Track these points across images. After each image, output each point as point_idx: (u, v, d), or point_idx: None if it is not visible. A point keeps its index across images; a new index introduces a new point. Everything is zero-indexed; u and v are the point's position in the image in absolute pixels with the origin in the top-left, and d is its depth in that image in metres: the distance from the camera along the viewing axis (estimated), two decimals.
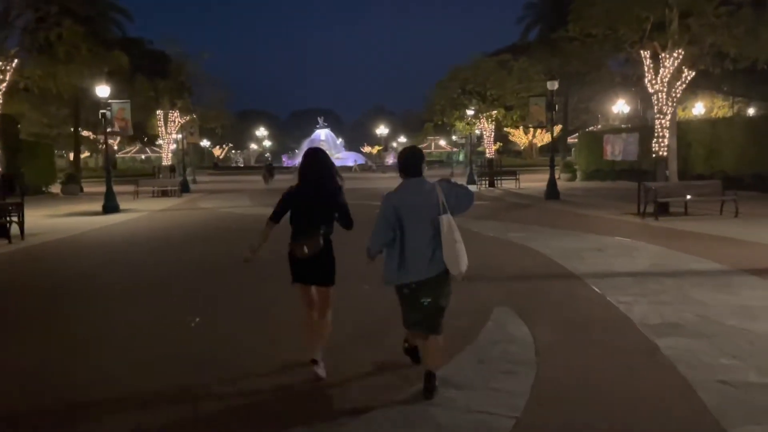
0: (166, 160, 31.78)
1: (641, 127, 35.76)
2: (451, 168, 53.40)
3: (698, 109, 48.01)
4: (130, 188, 28.87)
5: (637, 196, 16.90)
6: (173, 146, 67.69)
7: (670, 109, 18.90)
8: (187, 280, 9.44)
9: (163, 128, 30.99)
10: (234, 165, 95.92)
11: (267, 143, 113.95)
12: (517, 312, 6.83)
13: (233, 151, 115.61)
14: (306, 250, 4.70)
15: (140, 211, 22.17)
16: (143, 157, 75.38)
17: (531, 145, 57.81)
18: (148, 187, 30.18)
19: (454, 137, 51.66)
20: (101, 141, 53.57)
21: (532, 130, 55.79)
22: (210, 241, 13.61)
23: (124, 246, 13.33)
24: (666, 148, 19.57)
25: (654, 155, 20.21)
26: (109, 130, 21.65)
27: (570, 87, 32.88)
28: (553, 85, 23.06)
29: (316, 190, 4.80)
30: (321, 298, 4.92)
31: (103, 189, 20.60)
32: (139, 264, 10.94)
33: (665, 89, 18.51)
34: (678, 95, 18.44)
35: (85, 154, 62.45)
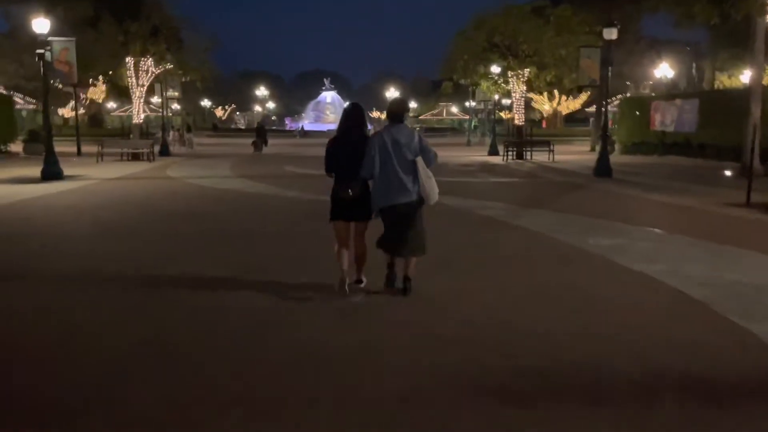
0: (137, 117, 27.16)
1: (702, 92, 30.93)
2: (467, 136, 48.55)
3: (747, 77, 42.70)
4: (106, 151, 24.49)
5: (707, 179, 12.18)
6: (176, 106, 63.70)
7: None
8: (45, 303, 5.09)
9: (133, 79, 26.28)
10: (234, 127, 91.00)
11: (270, 105, 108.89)
12: None
13: (237, 113, 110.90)
14: (351, 192, 5.40)
15: (89, 178, 17.76)
16: (141, 116, 70.39)
17: (555, 113, 52.66)
18: (117, 149, 25.75)
19: (471, 102, 46.51)
20: (84, 95, 49.35)
21: (557, 95, 50.62)
22: (136, 236, 9.15)
23: (17, 237, 8.95)
24: None
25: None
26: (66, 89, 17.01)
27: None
28: (612, 33, 18.18)
29: (354, 141, 5.47)
30: (359, 231, 5.66)
31: (85, 149, 16.46)
32: None
33: None
34: None
35: (65, 110, 57.82)
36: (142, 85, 26.57)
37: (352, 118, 5.59)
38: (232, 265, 6.92)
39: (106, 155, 24.89)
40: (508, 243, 8.22)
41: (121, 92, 41.06)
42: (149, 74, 26.48)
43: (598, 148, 33.28)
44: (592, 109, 64.31)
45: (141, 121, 27.57)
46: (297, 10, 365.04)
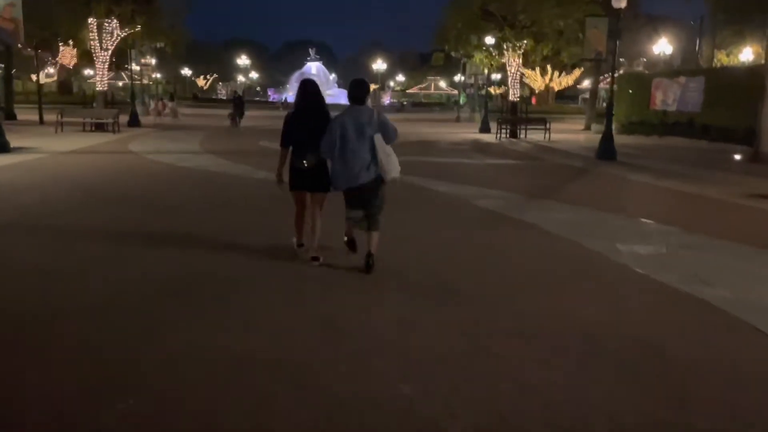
0: (101, 85, 24.96)
1: (708, 70, 29.33)
2: (456, 112, 46.74)
3: (746, 55, 41.19)
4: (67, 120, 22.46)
5: (718, 163, 10.67)
6: (156, 75, 60.62)
7: None
8: None
9: (96, 42, 24.01)
10: (215, 97, 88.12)
11: (254, 75, 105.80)
12: None
13: (219, 83, 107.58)
14: (305, 163, 5.51)
15: (38, 152, 15.90)
16: (120, 84, 66.91)
17: (548, 89, 50.87)
18: (78, 118, 23.71)
19: (460, 77, 44.54)
20: (51, 59, 46.50)
21: (550, 71, 48.86)
22: (41, 232, 7.44)
23: None
24: None
25: None
26: None
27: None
28: (620, 2, 16.46)
29: (312, 114, 5.59)
30: (316, 202, 5.79)
31: (48, 117, 14.39)
32: None
33: None
34: None
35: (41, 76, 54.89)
36: (107, 50, 24.32)
37: (309, 93, 5.69)
38: (136, 291, 5.00)
39: (69, 125, 22.93)
40: (520, 252, 6.50)
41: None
42: (114, 37, 24.23)
43: (594, 127, 31.95)
44: (584, 85, 62.91)
45: (105, 88, 25.37)
46: None
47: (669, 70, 31.18)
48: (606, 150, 17.10)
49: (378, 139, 5.35)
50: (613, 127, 29.76)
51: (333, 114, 5.64)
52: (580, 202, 9.58)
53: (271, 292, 5.02)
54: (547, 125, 23.89)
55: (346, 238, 6.07)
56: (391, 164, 5.45)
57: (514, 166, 15.68)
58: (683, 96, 25.44)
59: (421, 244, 6.76)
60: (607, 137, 17.31)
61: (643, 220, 8.24)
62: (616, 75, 18.85)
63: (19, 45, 20.14)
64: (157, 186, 10.83)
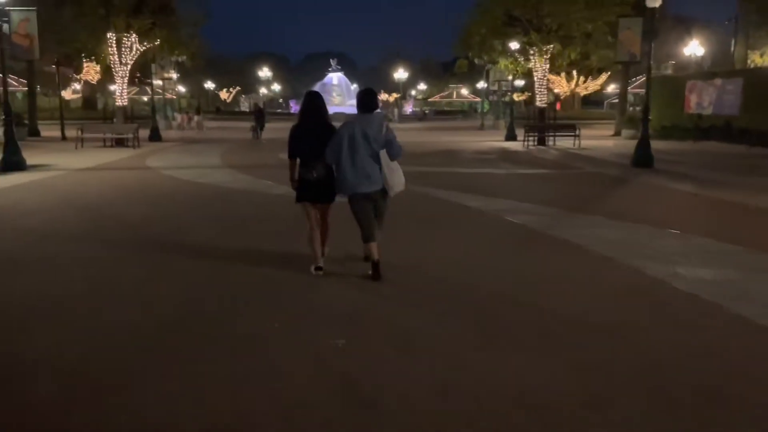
0: (121, 100, 24.72)
1: (747, 71, 28.10)
2: (480, 119, 45.88)
3: None
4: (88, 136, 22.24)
5: (763, 168, 9.72)
6: (180, 88, 60.77)
7: None
8: None
9: (116, 56, 23.78)
10: (238, 110, 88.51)
11: (276, 87, 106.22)
12: None
13: (242, 96, 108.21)
14: (315, 174, 5.55)
15: (54, 169, 15.54)
16: (145, 98, 67.35)
17: (573, 94, 49.76)
18: (99, 134, 23.49)
19: (483, 83, 43.65)
20: (73, 75, 46.86)
21: (576, 76, 47.78)
22: (35, 264, 6.92)
23: None
24: None
25: None
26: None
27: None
28: (655, 1, 15.58)
29: (317, 126, 5.66)
30: (323, 212, 5.87)
31: (71, 133, 14.05)
32: None
33: None
34: None
35: (67, 92, 55.52)
36: (126, 64, 24.09)
37: (313, 105, 5.76)
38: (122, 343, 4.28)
39: (90, 141, 22.71)
40: (571, 282, 5.61)
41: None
42: (133, 52, 23.99)
43: (625, 132, 30.83)
44: (609, 90, 61.47)
45: (125, 103, 25.13)
46: None
47: (704, 71, 29.98)
48: (642, 157, 16.17)
49: (384, 155, 5.44)
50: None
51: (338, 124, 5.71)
52: (624, 217, 8.75)
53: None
54: (577, 132, 22.98)
55: (367, 258, 5.85)
56: (395, 179, 5.54)
57: (546, 176, 14.86)
58: (719, 98, 24.36)
59: (452, 270, 6.03)
60: (643, 143, 16.37)
61: (700, 237, 7.39)
62: (644, 78, 17.90)
63: (33, 60, 19.88)
64: (165, 204, 10.26)
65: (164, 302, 5.07)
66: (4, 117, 15.37)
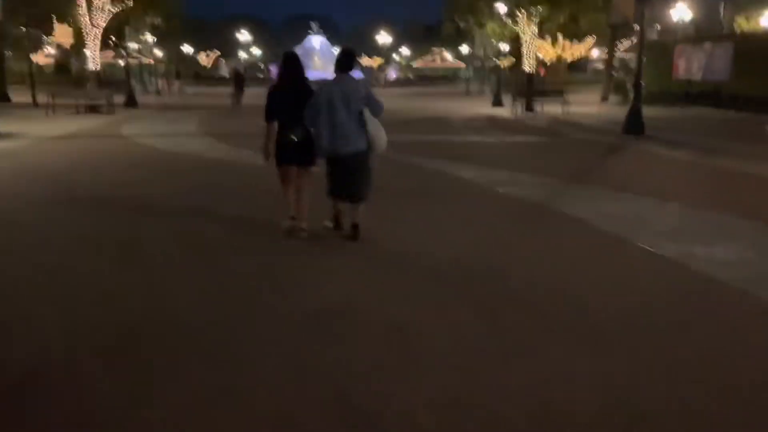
0: (94, 64, 23.58)
1: (737, 35, 27.61)
2: (465, 86, 45.08)
3: None
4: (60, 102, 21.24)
5: (761, 137, 9.39)
6: (157, 52, 58.59)
7: None
8: None
9: (87, 18, 22.55)
10: (218, 76, 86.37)
11: (256, 51, 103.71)
12: None
13: (221, 60, 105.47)
14: (294, 137, 5.43)
15: (24, 137, 14.74)
16: (121, 63, 65.10)
17: (560, 60, 48.88)
18: (72, 100, 22.46)
19: (468, 48, 42.74)
20: (48, 39, 44.96)
21: (562, 41, 46.87)
22: None
23: None
24: None
25: None
26: None
27: None
28: None
29: (295, 88, 5.52)
30: (303, 177, 5.67)
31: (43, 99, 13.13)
32: None
33: None
34: None
35: (40, 56, 53.41)
36: (98, 26, 22.90)
37: (290, 67, 5.65)
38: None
39: (62, 107, 21.71)
40: (582, 266, 5.10)
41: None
42: (106, 13, 22.77)
43: (612, 98, 30.36)
44: (593, 56, 60.48)
45: (98, 68, 24.01)
46: None
47: (693, 36, 29.46)
48: (634, 124, 15.75)
49: (367, 112, 5.35)
50: (630, 96, 28.42)
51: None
52: (624, 188, 8.34)
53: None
54: (565, 97, 22.48)
55: (329, 223, 5.86)
56: (380, 137, 5.45)
57: (538, 143, 14.41)
58: (709, 64, 23.94)
59: (451, 250, 5.57)
60: (634, 110, 15.94)
61: (707, 211, 7.01)
62: (635, 42, 17.43)
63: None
64: (138, 174, 9.63)
65: (124, 300, 4.56)
66: None
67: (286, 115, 5.47)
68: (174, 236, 6.07)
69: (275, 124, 5.55)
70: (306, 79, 5.67)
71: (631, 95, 28.23)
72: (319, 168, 5.71)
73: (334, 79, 5.48)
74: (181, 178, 9.53)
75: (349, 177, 5.46)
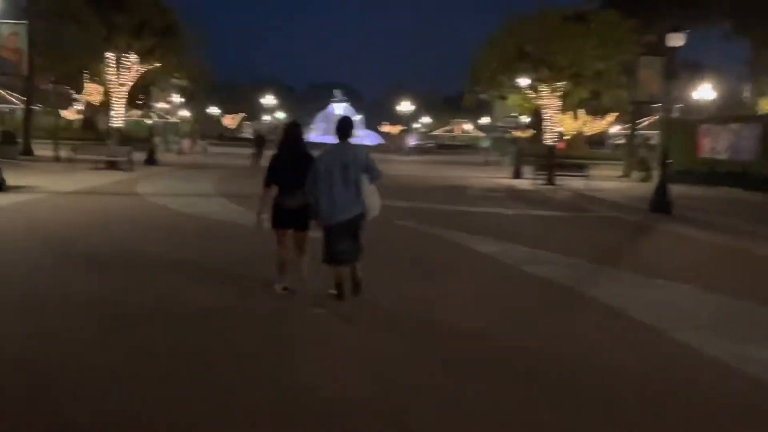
0: (116, 121, 23.89)
1: (764, 116, 27.39)
2: (485, 156, 45.20)
3: None
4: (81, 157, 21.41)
5: None
6: (185, 113, 60.13)
7: None
8: None
9: (114, 76, 22.99)
10: (241, 136, 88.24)
11: (280, 115, 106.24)
12: None
13: (246, 122, 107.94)
14: (290, 203, 5.65)
15: (37, 191, 14.56)
16: (150, 121, 66.89)
17: (579, 134, 49.07)
18: (92, 155, 22.59)
19: (487, 119, 43.07)
20: (78, 96, 46.24)
21: (583, 115, 47.19)
22: None
23: None
24: None
25: None
26: None
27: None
28: (678, 40, 14.84)
29: (295, 155, 5.77)
30: (299, 240, 5.88)
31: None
32: None
33: None
34: None
35: (70, 112, 54.91)
36: (124, 85, 23.31)
37: (291, 136, 5.89)
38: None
39: (83, 162, 21.81)
40: (619, 363, 4.51)
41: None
42: (132, 72, 23.21)
43: (634, 174, 29.95)
44: (613, 130, 60.70)
45: (121, 125, 24.29)
46: (313, 24, 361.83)
47: (718, 116, 29.27)
48: (661, 202, 15.23)
49: (364, 179, 5.49)
50: (657, 175, 27.98)
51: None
52: (658, 273, 7.70)
53: None
54: (587, 172, 22.10)
55: (336, 286, 5.79)
56: (374, 203, 5.60)
57: (561, 218, 13.88)
58: (736, 144, 23.54)
59: (472, 336, 4.96)
60: (661, 188, 15.47)
61: (755, 304, 6.34)
62: (659, 121, 17.15)
63: (33, 78, 19.10)
64: (144, 240, 9.21)
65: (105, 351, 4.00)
66: None
67: (285, 180, 5.68)
68: (158, 301, 5.55)
69: (272, 189, 5.76)
70: (306, 146, 5.91)
71: (655, 173, 28.09)
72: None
73: (335, 146, 5.67)
74: (182, 238, 9.12)
75: (345, 240, 5.57)
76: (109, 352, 4.38)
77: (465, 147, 77.63)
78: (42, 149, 29.94)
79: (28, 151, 28.02)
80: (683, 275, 7.58)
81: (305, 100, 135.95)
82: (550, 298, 6.40)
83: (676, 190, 22.42)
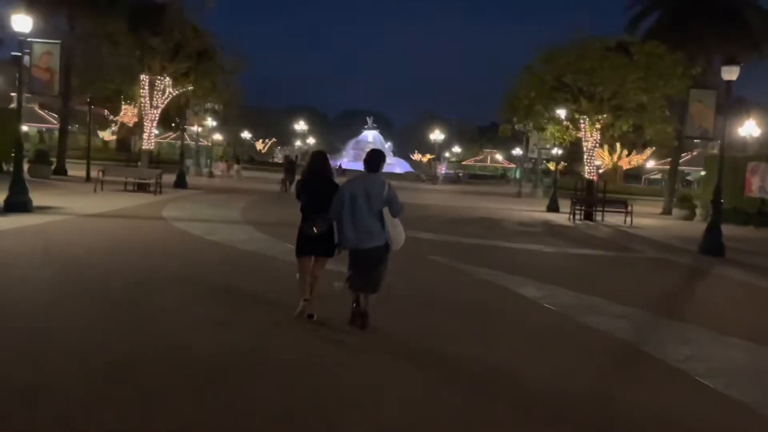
0: (148, 143, 23.78)
1: None
2: (518, 187, 44.28)
3: None
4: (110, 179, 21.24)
5: None
6: (217, 136, 60.78)
7: None
8: None
9: (147, 98, 22.95)
10: (272, 161, 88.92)
11: (311, 140, 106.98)
12: None
13: (278, 147, 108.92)
14: (316, 230, 5.76)
15: (61, 213, 14.23)
16: (152, 141, 67.60)
17: (615, 168, 47.89)
18: (122, 177, 22.46)
19: (519, 150, 42.31)
20: (109, 115, 46.95)
21: (619, 148, 46.15)
22: None
23: None
24: None
25: None
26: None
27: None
28: (732, 73, 13.99)
29: (321, 182, 6.00)
30: (319, 265, 6.08)
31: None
32: None
33: None
34: None
35: (106, 133, 55.83)
36: (156, 107, 23.26)
37: (316, 164, 6.18)
38: None
39: (112, 183, 21.66)
40: None
41: (161, 118, 38.45)
42: (165, 95, 23.18)
43: (676, 212, 28.73)
44: (649, 165, 59.26)
45: (151, 147, 24.21)
46: (347, 52, 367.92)
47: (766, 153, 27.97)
48: (713, 244, 14.23)
49: (386, 212, 5.65)
50: (700, 213, 26.75)
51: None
52: (728, 329, 6.80)
53: None
54: (629, 208, 21.10)
55: (354, 305, 5.92)
56: (397, 235, 5.74)
57: (605, 259, 12.97)
58: None
59: (522, 400, 4.19)
60: (714, 229, 14.50)
61: None
62: (701, 157, 16.21)
63: (70, 98, 19.11)
64: (163, 269, 8.64)
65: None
66: (16, 153, 14.30)
67: (310, 208, 5.85)
68: (163, 350, 4.92)
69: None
70: (331, 173, 6.21)
71: (699, 211, 26.87)
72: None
73: (361, 176, 5.88)
74: (200, 270, 8.52)
75: (371, 269, 5.70)
76: (110, 407, 3.74)
77: (495, 177, 76.80)
78: (76, 169, 30.15)
79: (61, 171, 28.15)
80: (756, 333, 6.68)
81: (335, 126, 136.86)
82: (611, 357, 5.59)
83: (724, 229, 21.31)
